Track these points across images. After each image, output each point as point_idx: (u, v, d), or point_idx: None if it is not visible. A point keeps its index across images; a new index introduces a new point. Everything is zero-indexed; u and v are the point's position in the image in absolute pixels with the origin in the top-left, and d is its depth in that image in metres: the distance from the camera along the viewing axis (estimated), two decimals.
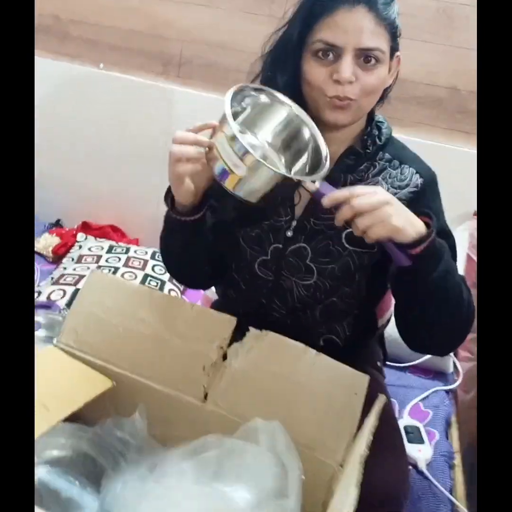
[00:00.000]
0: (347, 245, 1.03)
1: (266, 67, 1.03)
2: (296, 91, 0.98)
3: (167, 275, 1.82)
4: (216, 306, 1.24)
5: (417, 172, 1.03)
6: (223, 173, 0.85)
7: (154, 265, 1.84)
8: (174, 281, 1.82)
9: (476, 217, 1.80)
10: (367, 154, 1.04)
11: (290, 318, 1.10)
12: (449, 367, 1.73)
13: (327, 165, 0.90)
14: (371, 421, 0.85)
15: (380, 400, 0.89)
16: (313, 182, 0.87)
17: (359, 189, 0.84)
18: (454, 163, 1.76)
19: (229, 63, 1.96)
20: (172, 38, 2.01)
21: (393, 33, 0.96)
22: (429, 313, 0.92)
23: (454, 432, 1.53)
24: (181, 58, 2.01)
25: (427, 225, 0.87)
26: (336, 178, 1.03)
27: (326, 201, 0.85)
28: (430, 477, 1.29)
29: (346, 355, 1.08)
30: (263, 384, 0.93)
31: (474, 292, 1.79)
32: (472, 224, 1.80)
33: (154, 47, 2.04)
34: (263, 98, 0.96)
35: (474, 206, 1.80)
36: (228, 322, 0.97)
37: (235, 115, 0.90)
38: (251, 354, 0.95)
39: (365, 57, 0.93)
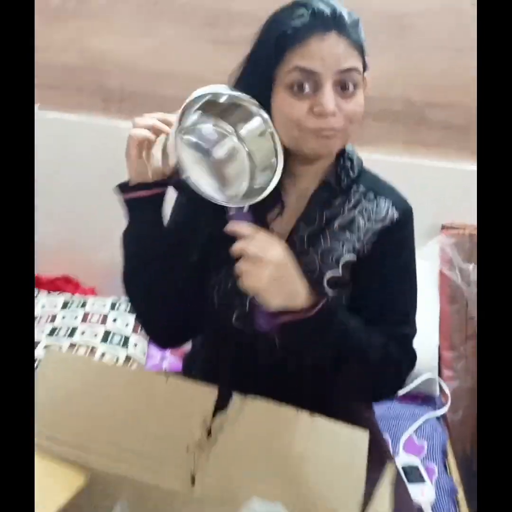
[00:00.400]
0: (327, 289, 0.97)
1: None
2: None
3: (130, 327, 1.69)
4: (192, 356, 1.15)
5: (393, 205, 0.99)
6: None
7: (115, 318, 1.71)
8: (139, 332, 1.69)
9: (445, 231, 1.75)
10: (341, 188, 0.98)
11: (276, 370, 1.02)
12: (436, 390, 1.70)
13: (264, 194, 0.87)
14: (386, 496, 0.76)
15: (390, 470, 0.81)
16: (241, 208, 0.86)
17: (262, 235, 0.83)
18: (417, 177, 1.72)
19: (174, 93, 1.86)
20: (110, 71, 1.90)
21: (364, 54, 0.92)
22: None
23: (452, 461, 1.48)
24: (122, 92, 1.90)
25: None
26: (312, 215, 0.98)
27: (228, 228, 0.84)
28: None
29: (336, 398, 1.04)
30: (257, 458, 0.85)
31: (451, 307, 1.77)
32: (441, 239, 1.75)
33: (92, 82, 1.93)
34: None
35: (441, 220, 1.76)
36: (209, 393, 0.87)
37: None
38: (239, 425, 0.86)
39: (342, 84, 0.87)
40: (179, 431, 0.85)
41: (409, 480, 1.29)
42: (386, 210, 0.98)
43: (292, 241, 0.97)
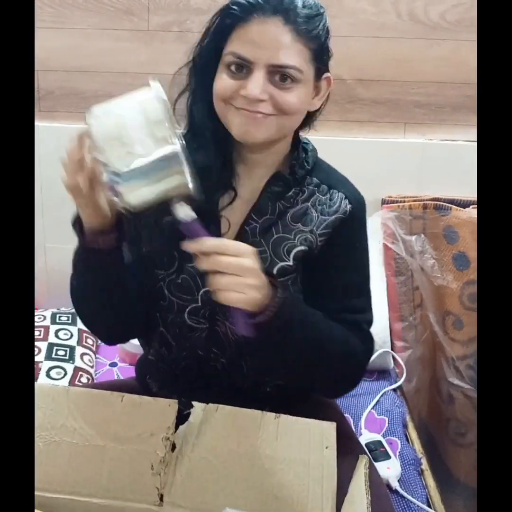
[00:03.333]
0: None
1: (190, 81, 0.94)
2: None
3: (75, 339, 1.62)
4: (147, 364, 1.10)
5: (346, 198, 0.98)
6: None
7: (57, 331, 1.62)
8: (84, 342, 1.63)
9: (385, 206, 1.76)
10: (295, 179, 0.97)
11: (232, 368, 1.00)
12: (390, 363, 1.72)
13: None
14: (361, 487, 0.76)
15: (362, 461, 0.80)
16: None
17: (231, 245, 0.77)
18: (353, 155, 1.71)
19: (95, 88, 1.78)
20: None
21: (318, 52, 0.88)
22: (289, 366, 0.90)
23: (413, 432, 1.51)
24: (39, 91, 1.79)
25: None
26: (264, 206, 0.96)
27: (188, 247, 0.76)
28: (406, 494, 1.24)
29: (295, 392, 1.05)
30: (225, 467, 0.83)
31: (398, 279, 1.79)
32: (382, 214, 1.76)
33: None
34: None
35: (381, 195, 1.77)
36: (169, 407, 0.84)
37: None
38: (203, 436, 0.85)
39: (280, 75, 0.85)
40: (141, 450, 0.81)
41: (375, 459, 1.30)
42: (339, 202, 0.97)
43: (244, 231, 0.95)
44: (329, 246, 0.96)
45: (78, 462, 0.81)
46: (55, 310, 1.75)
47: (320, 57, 0.89)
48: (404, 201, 1.75)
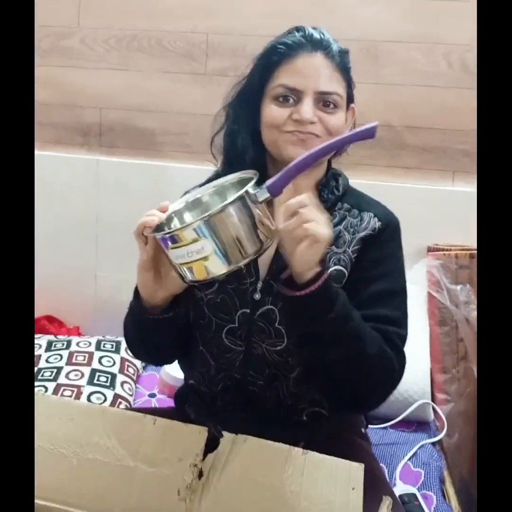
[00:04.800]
0: None
1: (229, 119, 1.03)
2: (259, 139, 0.99)
3: (117, 367, 1.66)
4: (185, 393, 1.13)
5: (375, 216, 1.02)
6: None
7: (100, 357, 1.67)
8: (126, 371, 1.65)
9: (430, 253, 1.75)
10: (325, 203, 1.01)
11: (269, 390, 1.01)
12: (430, 415, 1.67)
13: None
14: None
15: (385, 503, 0.78)
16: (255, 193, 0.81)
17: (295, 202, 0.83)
18: (400, 200, 1.71)
19: (153, 126, 1.87)
20: (88, 107, 1.90)
21: (349, 83, 1.00)
22: (325, 358, 0.91)
23: (450, 489, 1.45)
24: (101, 127, 1.89)
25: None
26: None
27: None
28: None
29: (332, 428, 1.05)
30: (250, 499, 0.82)
31: (441, 329, 1.75)
32: (428, 261, 1.74)
33: (69, 118, 1.92)
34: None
35: (427, 242, 1.76)
36: (198, 434, 0.85)
37: None
38: (230, 466, 0.84)
39: (324, 101, 0.95)
40: (169, 476, 0.82)
41: (408, 510, 1.25)
42: (368, 220, 1.01)
43: (280, 255, 0.96)
44: (358, 259, 0.99)
45: (109, 481, 0.82)
46: (100, 337, 1.80)
47: (350, 86, 1.00)
48: (451, 250, 1.74)
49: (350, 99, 1.01)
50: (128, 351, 1.71)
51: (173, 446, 0.83)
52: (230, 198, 0.79)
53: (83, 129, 1.92)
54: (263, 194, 0.81)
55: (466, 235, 1.74)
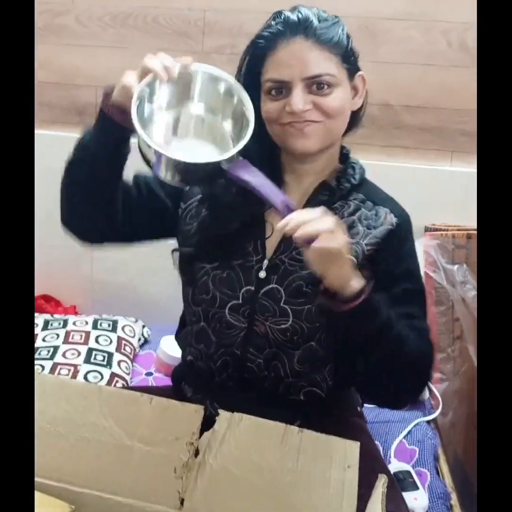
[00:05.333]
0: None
1: None
2: (265, 133, 0.98)
3: (114, 345, 1.66)
4: (183, 370, 1.14)
5: (391, 212, 1.01)
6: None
7: (97, 336, 1.67)
8: (122, 350, 1.66)
9: (428, 233, 1.75)
10: (341, 191, 1.01)
11: (268, 369, 1.02)
12: (425, 394, 1.68)
13: (243, 142, 0.87)
14: (378, 506, 0.75)
15: (380, 480, 0.79)
16: (230, 160, 0.87)
17: (327, 216, 0.83)
18: (398, 180, 1.71)
19: None
20: (83, 85, 1.88)
21: (345, 54, 0.96)
22: (367, 359, 0.94)
23: (444, 466, 1.47)
24: (96, 106, 1.87)
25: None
26: None
27: (283, 226, 0.83)
28: None
29: (328, 407, 1.06)
30: (246, 478, 0.83)
31: (437, 309, 1.76)
32: (425, 241, 1.74)
33: (65, 97, 1.90)
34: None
35: (425, 222, 1.76)
36: (195, 412, 0.85)
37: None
38: (226, 444, 0.85)
39: (317, 84, 0.93)
40: (166, 454, 0.83)
41: (402, 488, 1.27)
42: (385, 216, 1.00)
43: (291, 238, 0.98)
44: (381, 255, 0.98)
45: (106, 460, 0.83)
46: (97, 316, 1.80)
47: (348, 59, 0.96)
48: (448, 230, 1.74)
49: (352, 69, 0.98)
50: (125, 330, 1.74)
51: (170, 425, 0.84)
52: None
53: (79, 109, 1.91)
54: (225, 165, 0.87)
55: (464, 216, 1.74)
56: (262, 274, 1.00)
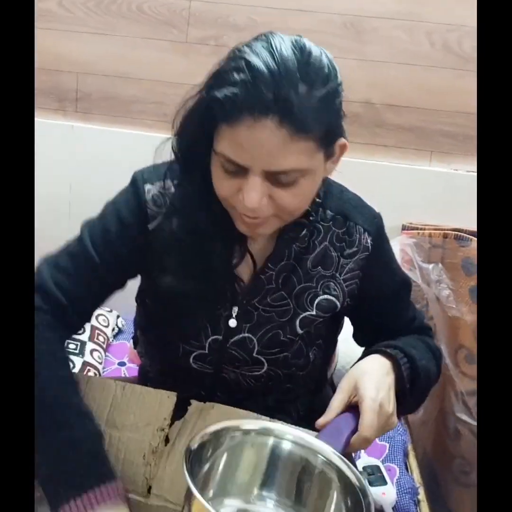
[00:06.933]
0: (299, 331, 0.93)
1: (180, 162, 0.86)
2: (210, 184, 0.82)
3: (87, 334, 1.65)
4: (146, 371, 1.10)
5: (365, 231, 0.93)
6: None
7: None
8: (95, 339, 1.65)
9: (405, 231, 1.76)
10: (310, 220, 0.90)
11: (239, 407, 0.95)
12: None
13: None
14: None
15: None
16: None
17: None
18: (378, 178, 1.73)
19: (131, 94, 1.83)
20: (65, 71, 1.86)
21: (327, 136, 0.76)
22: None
23: (413, 462, 1.48)
24: (77, 92, 1.85)
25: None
26: (279, 253, 0.91)
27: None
28: None
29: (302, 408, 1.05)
30: None
31: None
32: (402, 239, 1.76)
33: (45, 82, 1.87)
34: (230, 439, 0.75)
35: (401, 221, 1.77)
36: (167, 399, 0.85)
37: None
38: (197, 432, 0.83)
39: (279, 179, 0.75)
40: (136, 439, 0.82)
41: (371, 483, 1.28)
42: (359, 239, 0.92)
43: (259, 279, 0.91)
44: (366, 280, 0.95)
45: None
46: None
47: (330, 138, 0.77)
48: (425, 229, 1.75)
49: (331, 145, 0.79)
50: (99, 320, 1.73)
51: (141, 411, 0.84)
52: None
53: (59, 95, 1.88)
54: None
55: (441, 215, 1.76)
56: (232, 323, 0.91)
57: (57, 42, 1.85)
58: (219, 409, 0.85)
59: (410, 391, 0.87)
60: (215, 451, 0.73)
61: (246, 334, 0.92)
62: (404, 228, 1.77)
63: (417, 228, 1.76)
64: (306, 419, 0.97)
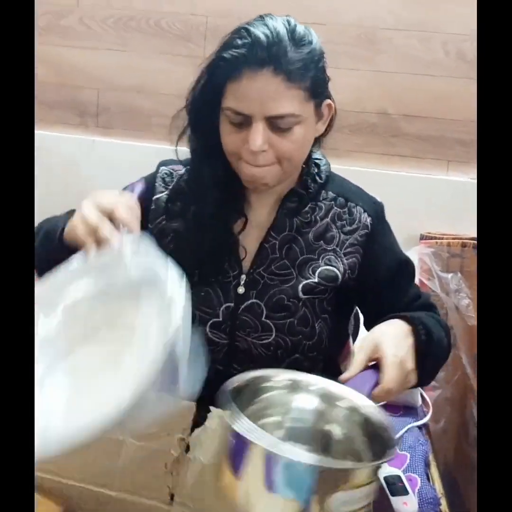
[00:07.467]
0: (302, 296, 0.98)
1: (190, 126, 0.98)
2: (221, 149, 0.94)
3: None
4: None
5: (364, 211, 1.01)
6: None
7: None
8: None
9: (423, 241, 1.76)
10: (309, 194, 1.01)
11: None
12: (418, 401, 1.68)
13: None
14: None
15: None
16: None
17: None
18: (394, 188, 1.73)
19: (149, 108, 1.87)
20: (85, 87, 1.90)
21: (314, 88, 0.90)
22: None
23: (435, 472, 1.47)
24: (98, 107, 1.89)
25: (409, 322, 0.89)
26: (281, 223, 1.00)
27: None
28: None
29: None
30: None
31: None
32: (420, 249, 1.76)
33: (66, 97, 1.92)
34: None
35: (420, 230, 1.77)
36: (187, 409, 0.86)
37: None
38: (217, 440, 0.84)
39: (277, 123, 0.88)
40: (157, 448, 0.83)
41: (392, 493, 1.27)
42: (359, 217, 1.01)
43: (263, 248, 0.99)
44: (368, 258, 1.00)
45: (97, 454, 0.84)
46: None
47: (316, 91, 0.90)
48: (443, 238, 1.75)
49: (319, 100, 0.93)
50: None
51: (162, 420, 0.85)
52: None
53: (80, 109, 1.92)
54: None
55: (459, 224, 1.76)
56: (241, 290, 0.99)
57: (78, 58, 1.89)
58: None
59: (426, 357, 0.88)
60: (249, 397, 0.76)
61: (254, 300, 0.98)
62: (422, 237, 1.78)
63: (435, 238, 1.76)
64: None
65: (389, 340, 0.84)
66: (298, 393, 0.78)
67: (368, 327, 1.09)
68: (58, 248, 0.85)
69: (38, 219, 1.87)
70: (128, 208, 0.78)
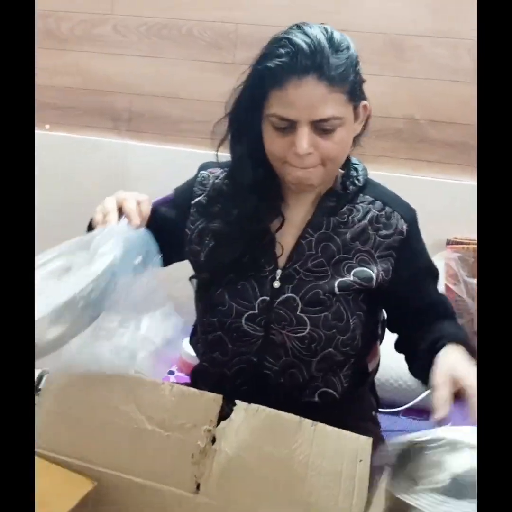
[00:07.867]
0: (338, 292, 1.01)
1: (231, 132, 1.02)
2: (263, 154, 0.98)
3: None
4: (200, 371, 1.16)
5: (401, 217, 1.03)
6: None
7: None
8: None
9: (449, 246, 1.77)
10: (347, 195, 1.03)
11: (284, 376, 1.04)
12: None
13: None
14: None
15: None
16: None
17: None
18: (421, 193, 1.73)
19: (180, 114, 1.91)
20: (119, 93, 1.95)
21: (352, 89, 0.93)
22: None
23: None
24: (130, 112, 1.94)
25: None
26: (318, 222, 1.03)
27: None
28: None
29: (342, 409, 1.07)
30: (259, 468, 0.85)
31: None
32: (446, 254, 1.76)
33: (101, 103, 1.97)
34: None
35: (446, 235, 1.78)
36: (213, 401, 0.88)
37: None
38: (241, 433, 0.87)
39: (322, 126, 0.92)
40: (184, 440, 0.85)
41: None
42: (396, 224, 1.03)
43: (300, 244, 1.02)
44: (401, 263, 1.03)
45: (126, 443, 0.86)
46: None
47: (354, 93, 0.94)
48: (469, 244, 1.75)
49: (357, 101, 0.96)
50: None
51: (189, 412, 0.86)
52: None
53: (113, 115, 1.97)
54: None
55: None
56: (276, 284, 1.02)
57: (111, 65, 1.95)
58: (263, 412, 0.88)
59: None
60: None
61: (290, 294, 1.01)
62: (448, 242, 1.78)
63: (461, 243, 1.76)
64: (346, 393, 1.07)
65: (465, 370, 0.84)
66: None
67: (391, 327, 1.12)
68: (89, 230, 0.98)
69: (73, 213, 1.90)
70: (136, 203, 0.91)
